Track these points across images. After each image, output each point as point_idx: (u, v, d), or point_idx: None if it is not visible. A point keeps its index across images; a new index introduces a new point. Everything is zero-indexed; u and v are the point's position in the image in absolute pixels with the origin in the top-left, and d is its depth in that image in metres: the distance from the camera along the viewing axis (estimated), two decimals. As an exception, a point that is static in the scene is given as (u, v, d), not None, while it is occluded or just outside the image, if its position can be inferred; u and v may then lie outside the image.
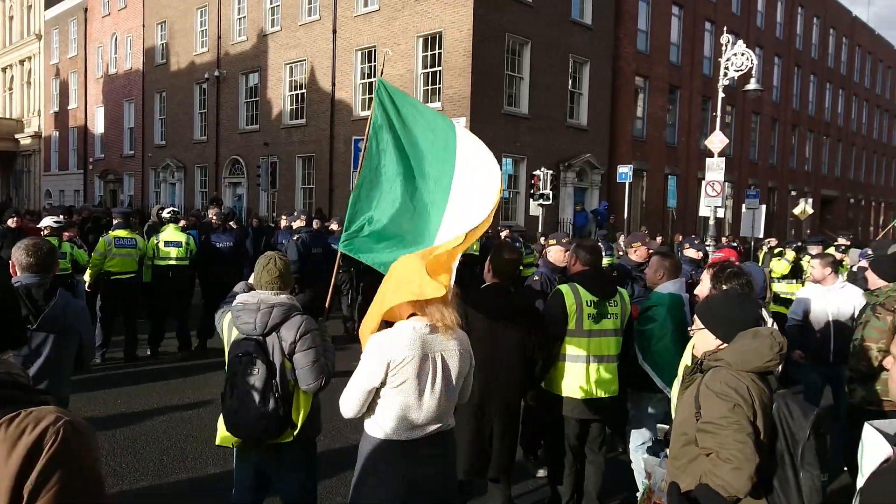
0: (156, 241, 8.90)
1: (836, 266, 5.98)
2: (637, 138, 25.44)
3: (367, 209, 3.97)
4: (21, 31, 42.39)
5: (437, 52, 19.77)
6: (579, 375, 4.16)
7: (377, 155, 4.02)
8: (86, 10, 35.66)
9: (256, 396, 3.17)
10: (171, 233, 9.05)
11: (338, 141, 22.39)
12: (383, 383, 2.72)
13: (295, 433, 3.28)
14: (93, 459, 1.39)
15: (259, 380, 3.19)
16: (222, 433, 3.37)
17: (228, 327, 3.40)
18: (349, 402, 2.80)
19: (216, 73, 27.28)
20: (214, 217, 10.29)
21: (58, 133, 39.56)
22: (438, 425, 2.84)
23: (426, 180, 3.94)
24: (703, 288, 3.71)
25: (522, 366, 3.96)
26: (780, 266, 9.73)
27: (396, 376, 2.70)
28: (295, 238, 9.72)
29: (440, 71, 19.66)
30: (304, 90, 24.10)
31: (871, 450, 1.63)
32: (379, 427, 2.80)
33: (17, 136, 42.41)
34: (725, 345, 2.71)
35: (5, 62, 44.33)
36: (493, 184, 3.71)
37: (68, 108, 38.20)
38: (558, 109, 21.85)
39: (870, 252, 7.57)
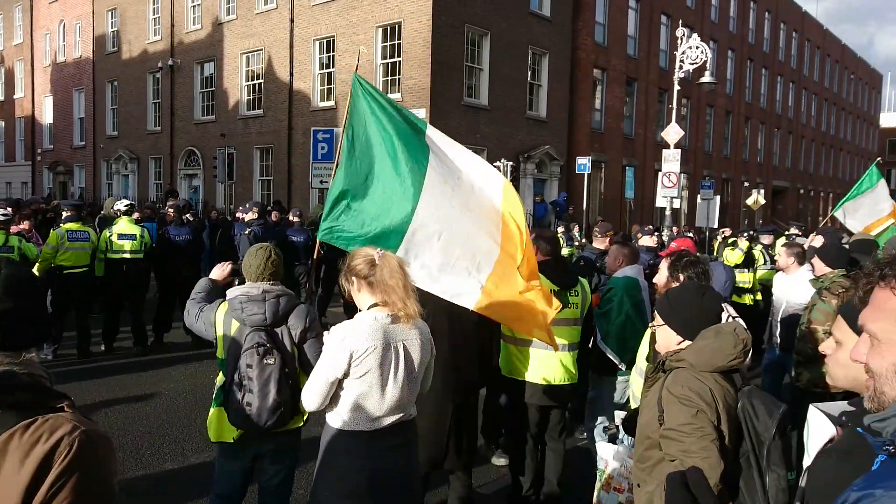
0: (108, 235, 8.67)
1: (801, 255, 6.15)
2: (595, 130, 25.73)
3: (345, 197, 4.04)
4: (-37, 17, 40.76)
5: (396, 42, 19.65)
6: (541, 362, 4.22)
7: (354, 146, 4.11)
8: (32, -5, 34.47)
9: (274, 387, 3.22)
10: (124, 225, 8.83)
11: (296, 132, 22.12)
12: (346, 374, 2.72)
13: (305, 419, 3.41)
14: (107, 472, 1.37)
15: (276, 370, 3.23)
16: (222, 428, 3.37)
17: (225, 320, 3.37)
18: (312, 394, 2.79)
19: (170, 63, 26.66)
20: (172, 210, 10.08)
21: (3, 123, 38.20)
22: (401, 415, 2.84)
23: (401, 170, 4.01)
24: (661, 276, 3.78)
25: (478, 354, 4.00)
26: (733, 255, 9.96)
27: (359, 367, 2.70)
28: (247, 231, 9.55)
29: (399, 62, 19.55)
30: (261, 80, 23.73)
31: (817, 430, 1.69)
32: (340, 418, 2.79)
33: (-41, 126, 40.86)
34: (687, 342, 2.64)
35: (-54, 49, 42.61)
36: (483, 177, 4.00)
37: (14, 97, 36.92)
38: (518, 101, 21.96)
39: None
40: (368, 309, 2.81)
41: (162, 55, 27.21)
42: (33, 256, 8.23)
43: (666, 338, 2.75)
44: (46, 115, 34.71)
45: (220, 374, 3.45)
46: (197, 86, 26.30)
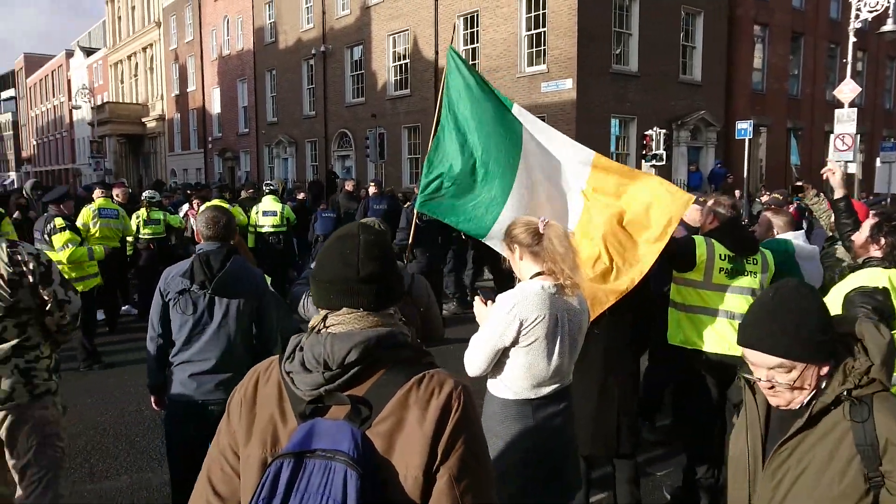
0: (255, 211, 10.53)
1: None
2: (756, 91, 23.93)
3: (442, 168, 4.17)
4: (142, 20, 45.00)
5: (540, 12, 19.30)
6: (716, 332, 3.99)
7: (450, 118, 4.26)
8: (199, -5, 37.34)
9: None
10: (268, 203, 10.55)
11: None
12: (514, 342, 2.72)
13: None
14: (480, 421, 1.52)
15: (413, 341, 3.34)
16: None
17: None
18: (479, 360, 2.81)
19: (322, 49, 27.91)
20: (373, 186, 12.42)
21: (179, 115, 41.92)
22: (562, 383, 2.85)
23: (496, 143, 4.12)
24: (861, 236, 3.42)
25: (636, 327, 3.84)
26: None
27: (527, 336, 2.70)
28: (407, 205, 10.07)
29: (544, 32, 19.19)
30: (407, 60, 24.26)
31: None
32: (506, 387, 2.81)
33: (143, 119, 45.33)
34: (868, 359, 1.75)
35: (130, 50, 47.30)
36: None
37: (187, 90, 40.32)
38: (670, 65, 20.86)
39: None
40: (532, 278, 2.79)
41: (315, 42, 28.54)
42: (176, 225, 10.31)
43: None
44: (215, 106, 37.65)
45: None
46: (347, 69, 27.36)
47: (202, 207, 8.65)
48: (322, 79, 28.47)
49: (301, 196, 12.57)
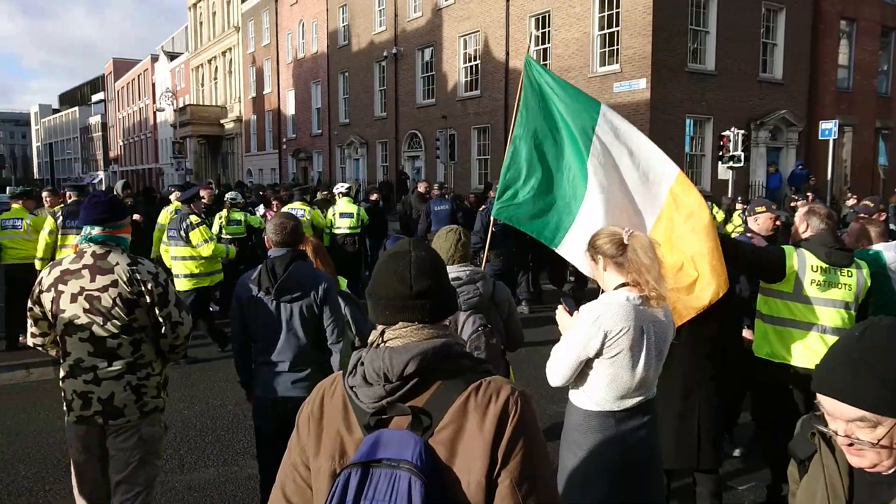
0: (332, 213, 10.83)
1: None
2: (842, 89, 22.89)
3: (518, 177, 4.20)
4: (222, 25, 46.67)
5: (614, 11, 19.01)
6: (807, 344, 3.86)
7: (526, 126, 4.29)
8: (276, 0, 38.41)
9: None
10: (344, 205, 10.89)
11: (513, 110, 22.25)
12: (598, 354, 2.71)
13: None
14: (539, 426, 1.54)
15: (498, 348, 3.38)
16: None
17: None
18: (560, 371, 2.81)
19: (394, 51, 28.30)
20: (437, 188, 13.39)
21: (255, 117, 43.28)
22: (646, 395, 2.82)
23: (571, 155, 4.13)
24: None
25: (719, 340, 3.76)
26: None
27: (611, 348, 2.69)
28: (482, 208, 10.10)
29: (617, 31, 18.90)
30: (478, 61, 24.33)
31: None
32: (589, 398, 2.80)
33: (221, 121, 47.00)
34: None
35: (210, 54, 49.13)
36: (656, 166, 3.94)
37: (264, 92, 41.59)
38: (749, 63, 20.19)
39: None
40: (616, 289, 2.79)
41: (386, 45, 28.97)
42: (257, 226, 10.43)
43: None
44: (289, 107, 38.70)
45: None
46: (418, 71, 27.65)
47: (276, 213, 9.08)
48: (393, 80, 28.87)
49: (374, 197, 12.80)
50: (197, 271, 7.62)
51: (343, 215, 10.82)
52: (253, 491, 4.47)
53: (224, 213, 10.27)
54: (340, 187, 11.56)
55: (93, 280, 3.11)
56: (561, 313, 2.97)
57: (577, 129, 4.12)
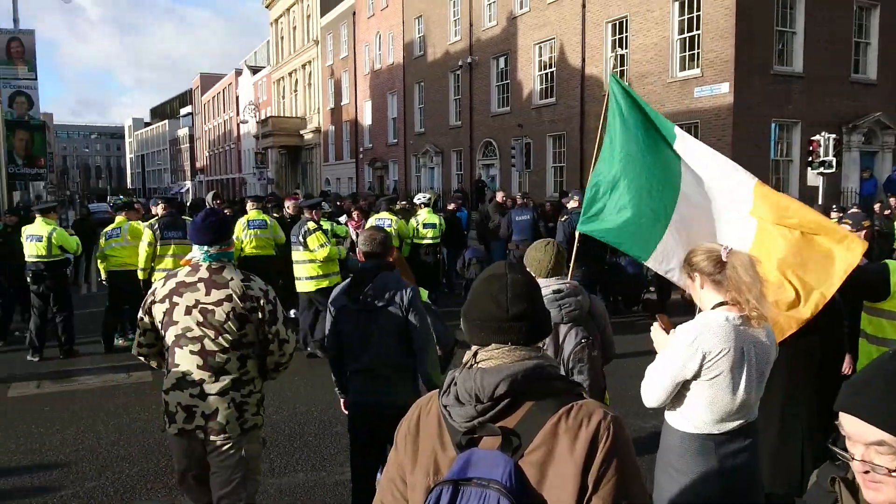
0: (415, 224, 11.02)
1: None
2: (943, 89, 21.54)
3: (605, 192, 4.27)
4: (302, 39, 48.16)
5: (695, 14, 18.57)
6: None
7: (613, 143, 4.36)
8: (354, 13, 39.37)
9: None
10: (426, 216, 11.11)
11: (588, 117, 22.12)
12: (696, 376, 2.65)
13: None
14: (633, 451, 1.54)
15: (599, 360, 3.51)
16: None
17: None
18: (656, 391, 2.76)
19: (469, 60, 28.50)
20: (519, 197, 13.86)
21: (333, 127, 44.40)
22: (747, 418, 2.73)
23: (659, 169, 4.20)
24: None
25: (821, 362, 3.63)
26: None
27: (710, 369, 2.62)
28: (563, 218, 10.13)
29: (698, 35, 18.44)
30: (553, 69, 24.20)
31: None
32: (687, 420, 2.73)
33: (301, 132, 48.44)
34: None
35: (291, 67, 50.76)
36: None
37: (341, 104, 42.63)
38: (840, 64, 19.27)
39: None
40: (714, 308, 2.72)
41: (461, 54, 29.20)
42: (343, 234, 10.48)
43: None
44: (366, 118, 39.52)
45: None
46: (493, 80, 27.74)
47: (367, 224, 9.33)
48: (468, 89, 29.06)
49: (451, 206, 12.96)
50: (316, 273, 8.23)
51: (426, 225, 11.04)
52: (340, 497, 4.61)
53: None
54: (422, 197, 11.77)
55: (208, 294, 3.17)
56: (656, 330, 2.91)
57: (661, 145, 4.16)
